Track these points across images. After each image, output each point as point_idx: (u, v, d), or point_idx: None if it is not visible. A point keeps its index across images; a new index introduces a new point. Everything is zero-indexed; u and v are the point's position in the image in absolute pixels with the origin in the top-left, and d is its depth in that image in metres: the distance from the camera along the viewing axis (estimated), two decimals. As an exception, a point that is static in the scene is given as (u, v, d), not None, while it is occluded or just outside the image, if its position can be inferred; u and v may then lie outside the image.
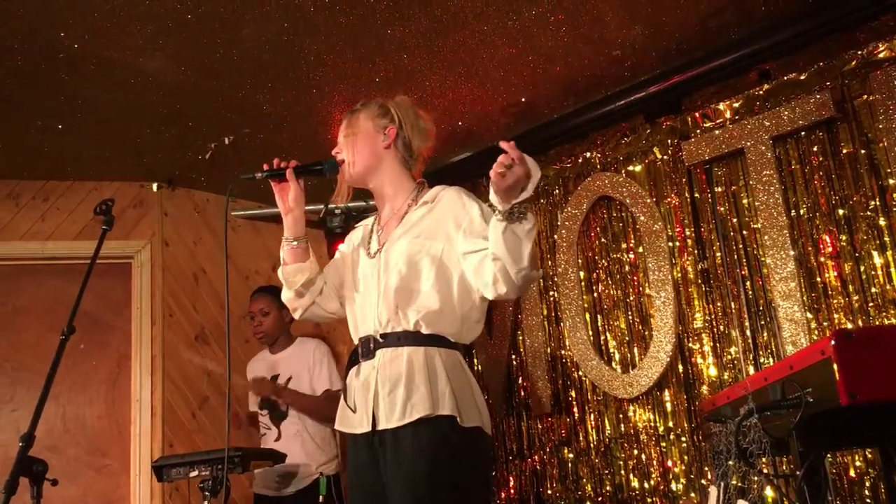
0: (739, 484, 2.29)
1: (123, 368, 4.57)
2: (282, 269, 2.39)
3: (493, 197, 1.96)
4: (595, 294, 4.07)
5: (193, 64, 3.48)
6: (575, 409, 4.06)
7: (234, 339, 4.79)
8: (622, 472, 3.84)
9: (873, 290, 3.15)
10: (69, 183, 4.60)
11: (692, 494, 3.55)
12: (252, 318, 4.20)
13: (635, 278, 3.92)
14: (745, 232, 3.56)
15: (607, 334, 4.00)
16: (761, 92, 3.56)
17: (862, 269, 3.19)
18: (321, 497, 3.75)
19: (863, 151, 3.24)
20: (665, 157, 3.87)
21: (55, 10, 3.04)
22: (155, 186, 4.77)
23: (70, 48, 3.29)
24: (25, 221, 4.49)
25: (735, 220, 3.60)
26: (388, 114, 2.39)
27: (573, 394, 4.09)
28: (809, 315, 3.28)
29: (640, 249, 3.89)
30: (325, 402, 3.89)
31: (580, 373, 4.04)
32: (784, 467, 2.63)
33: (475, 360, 4.57)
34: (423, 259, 2.20)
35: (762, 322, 3.45)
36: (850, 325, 3.15)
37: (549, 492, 4.11)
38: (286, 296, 2.42)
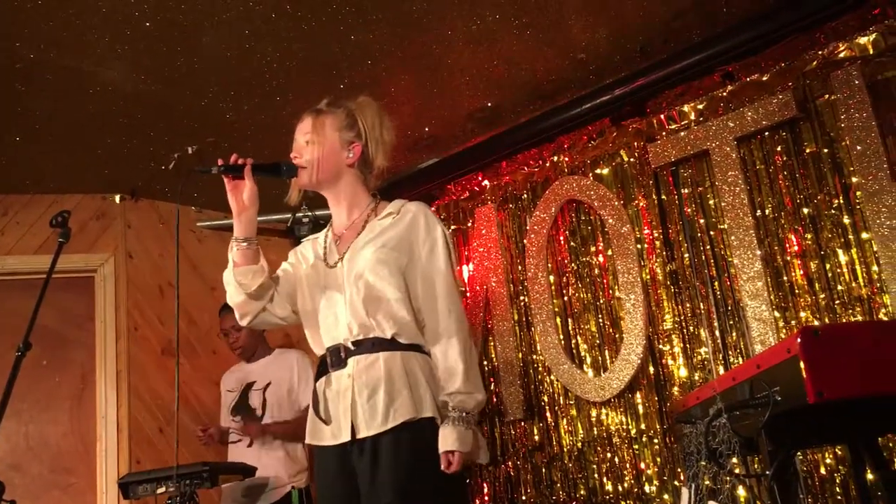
0: (711, 484, 2.29)
1: (88, 384, 4.48)
2: (232, 271, 2.26)
3: None
4: (565, 298, 4.06)
5: (153, 72, 3.43)
6: (548, 414, 4.05)
7: (202, 352, 4.72)
8: (595, 475, 3.83)
9: (839, 287, 3.17)
10: (29, 196, 4.51)
11: (665, 496, 3.55)
12: (226, 336, 4.12)
13: (605, 281, 3.92)
14: (712, 232, 3.58)
15: (578, 338, 3.99)
16: (725, 93, 3.59)
17: (827, 267, 3.22)
18: (293, 510, 3.70)
19: (826, 150, 3.27)
20: (632, 159, 3.88)
21: (10, 20, 2.97)
22: (117, 198, 4.69)
23: (26, 58, 3.22)
24: (-16, 236, 4.40)
25: (702, 220, 3.61)
26: (354, 126, 2.34)
27: (545, 399, 4.07)
28: (777, 314, 3.30)
29: (609, 252, 3.89)
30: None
31: (552, 377, 4.03)
32: (756, 466, 2.63)
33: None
34: (391, 268, 2.18)
35: (731, 322, 3.47)
36: (817, 323, 3.17)
37: (524, 497, 4.08)
38: (236, 299, 2.29)
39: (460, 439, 2.08)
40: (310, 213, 4.72)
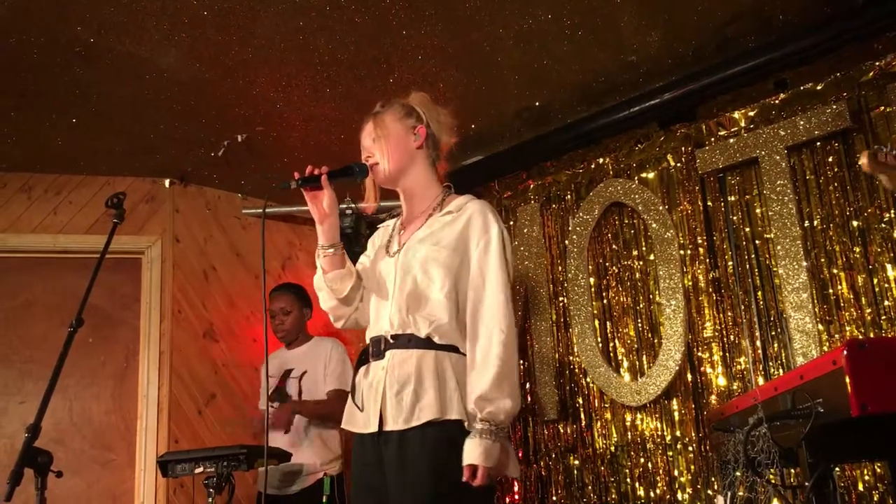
0: (746, 494, 2.27)
1: (131, 364, 4.58)
2: (322, 277, 2.33)
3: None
4: (605, 301, 4.05)
5: (208, 60, 3.49)
6: (582, 416, 4.04)
7: (242, 337, 4.79)
8: (628, 480, 3.81)
9: (886, 302, 3.12)
10: (82, 177, 4.62)
11: (698, 504, 3.52)
12: (273, 317, 4.19)
13: (646, 286, 3.89)
14: (757, 241, 3.53)
15: (616, 341, 3.98)
16: (777, 101, 3.54)
17: (875, 281, 3.16)
18: (325, 497, 3.74)
19: (879, 163, 3.21)
20: (678, 164, 3.84)
21: (71, 4, 3.05)
22: (167, 182, 4.79)
23: (86, 42, 3.30)
24: (38, 214, 4.51)
25: (748, 229, 3.57)
26: (413, 113, 2.38)
27: (580, 400, 4.06)
28: (821, 327, 3.25)
29: (651, 257, 3.87)
30: (337, 404, 3.88)
31: (588, 379, 4.02)
32: (792, 479, 2.60)
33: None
34: (440, 268, 2.20)
35: (773, 333, 3.42)
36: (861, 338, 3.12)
37: (554, 498, 4.08)
38: (329, 304, 2.37)
39: (485, 453, 2.01)
40: (353, 205, 4.76)
